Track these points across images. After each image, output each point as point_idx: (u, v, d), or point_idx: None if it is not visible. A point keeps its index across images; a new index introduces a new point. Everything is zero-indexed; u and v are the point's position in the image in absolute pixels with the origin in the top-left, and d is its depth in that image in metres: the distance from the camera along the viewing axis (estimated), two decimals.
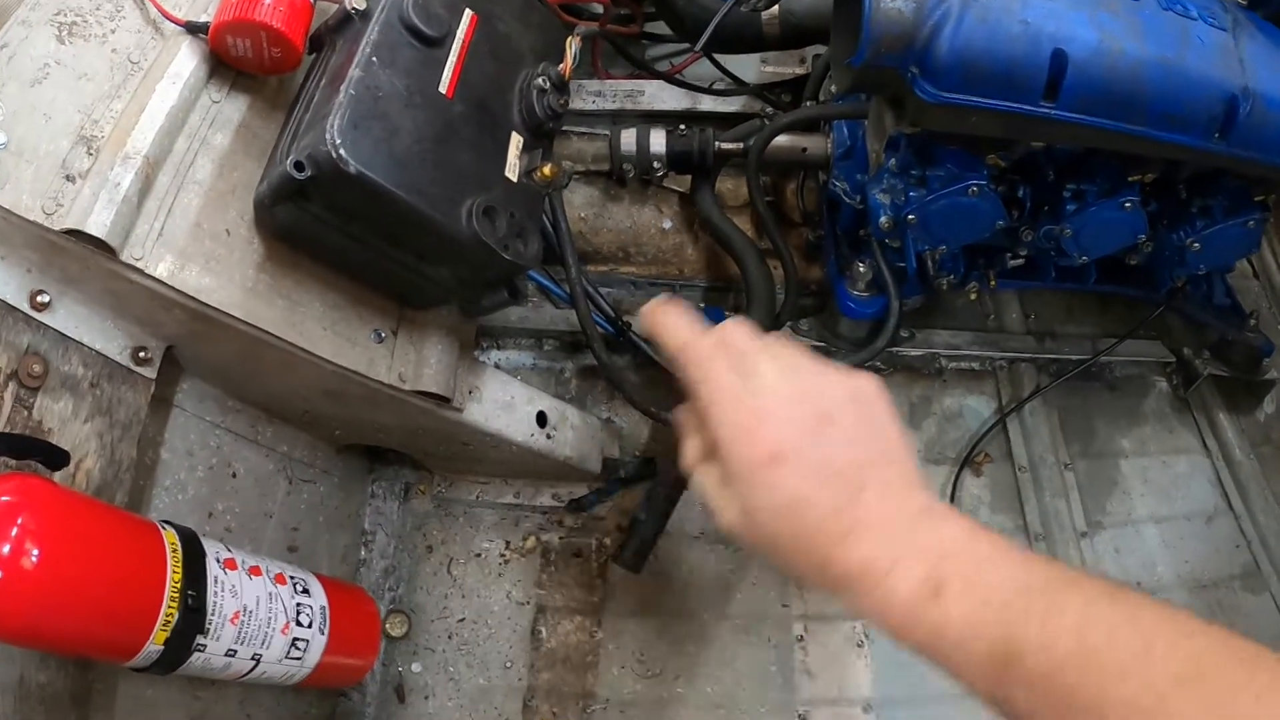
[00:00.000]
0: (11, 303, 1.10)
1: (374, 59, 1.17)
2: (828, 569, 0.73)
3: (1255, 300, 2.24)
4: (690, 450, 0.85)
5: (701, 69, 2.15)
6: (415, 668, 1.72)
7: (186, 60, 1.20)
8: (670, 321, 0.85)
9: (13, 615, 0.93)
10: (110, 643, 1.04)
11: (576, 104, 2.03)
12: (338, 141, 1.08)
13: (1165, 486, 2.11)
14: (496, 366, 1.83)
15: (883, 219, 1.59)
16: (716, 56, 2.05)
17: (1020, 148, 1.53)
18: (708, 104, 2.11)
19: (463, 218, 1.22)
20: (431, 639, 1.74)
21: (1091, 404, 2.15)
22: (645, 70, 2.06)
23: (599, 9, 2.00)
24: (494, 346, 1.92)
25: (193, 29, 1.20)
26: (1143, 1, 1.37)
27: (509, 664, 1.73)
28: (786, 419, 0.76)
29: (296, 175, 1.08)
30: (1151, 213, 1.69)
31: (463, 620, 1.76)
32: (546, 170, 1.35)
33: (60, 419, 1.15)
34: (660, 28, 2.14)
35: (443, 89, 1.25)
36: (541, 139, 1.41)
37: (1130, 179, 1.59)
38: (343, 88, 1.12)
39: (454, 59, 1.28)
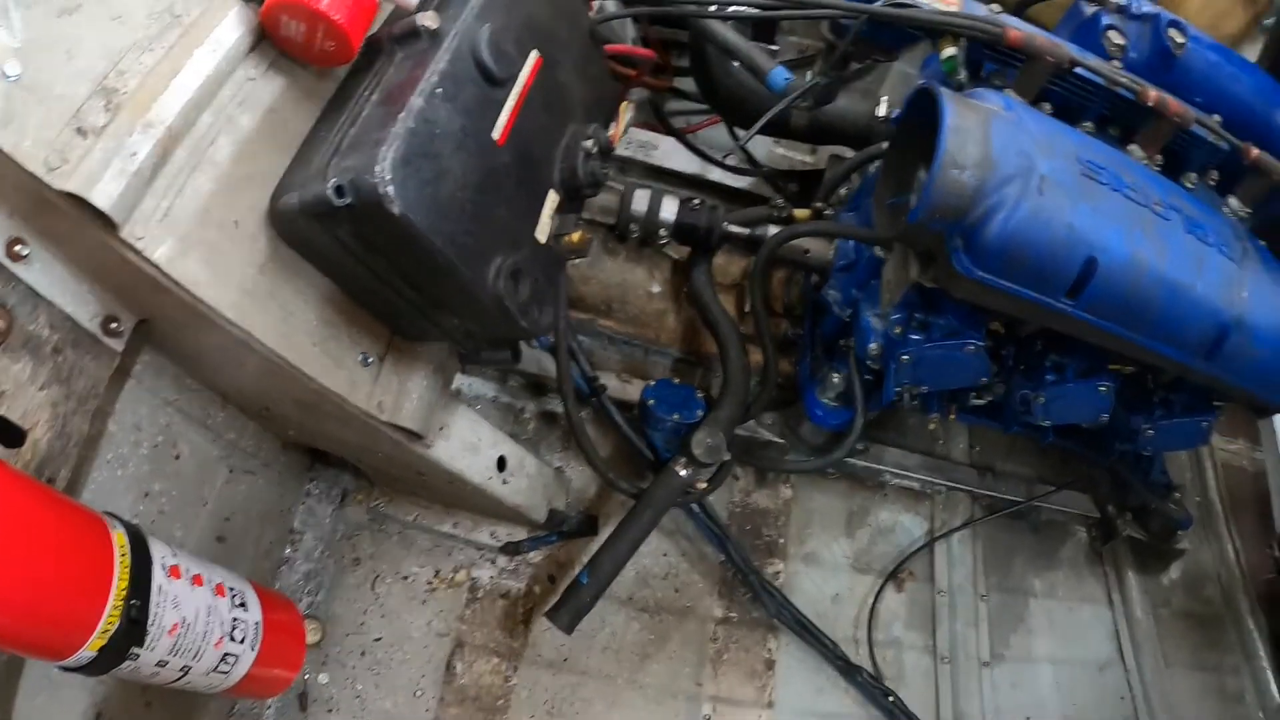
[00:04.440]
0: None
1: (439, 90, 1.04)
2: None
3: (1180, 472, 2.27)
4: None
5: (713, 134, 2.06)
6: (322, 679, 1.60)
7: (232, 28, 1.04)
8: None
9: None
10: (42, 646, 0.92)
11: None
12: (387, 177, 0.96)
13: (1067, 631, 2.10)
14: (458, 392, 1.72)
15: (872, 345, 1.53)
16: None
17: (1031, 326, 1.49)
18: (716, 174, 2.02)
19: (489, 276, 1.11)
20: (344, 653, 1.62)
21: (1015, 542, 2.13)
22: (667, 127, 1.94)
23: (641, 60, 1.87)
24: (459, 371, 1.78)
25: None
26: (1172, 223, 1.35)
27: (419, 693, 1.62)
28: None
29: (335, 200, 0.96)
30: (1128, 399, 1.67)
31: (379, 640, 1.64)
32: (576, 237, 1.24)
33: (15, 382, 1.01)
34: (682, 83, 2.00)
35: (495, 135, 1.13)
36: (576, 202, 1.29)
37: (1110, 367, 1.57)
38: (401, 116, 1.00)
39: (512, 103, 1.16)
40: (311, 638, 1.59)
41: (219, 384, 1.35)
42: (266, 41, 1.09)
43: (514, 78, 1.16)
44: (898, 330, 1.50)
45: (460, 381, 1.79)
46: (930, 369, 1.52)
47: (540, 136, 1.23)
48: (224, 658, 1.13)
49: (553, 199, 1.23)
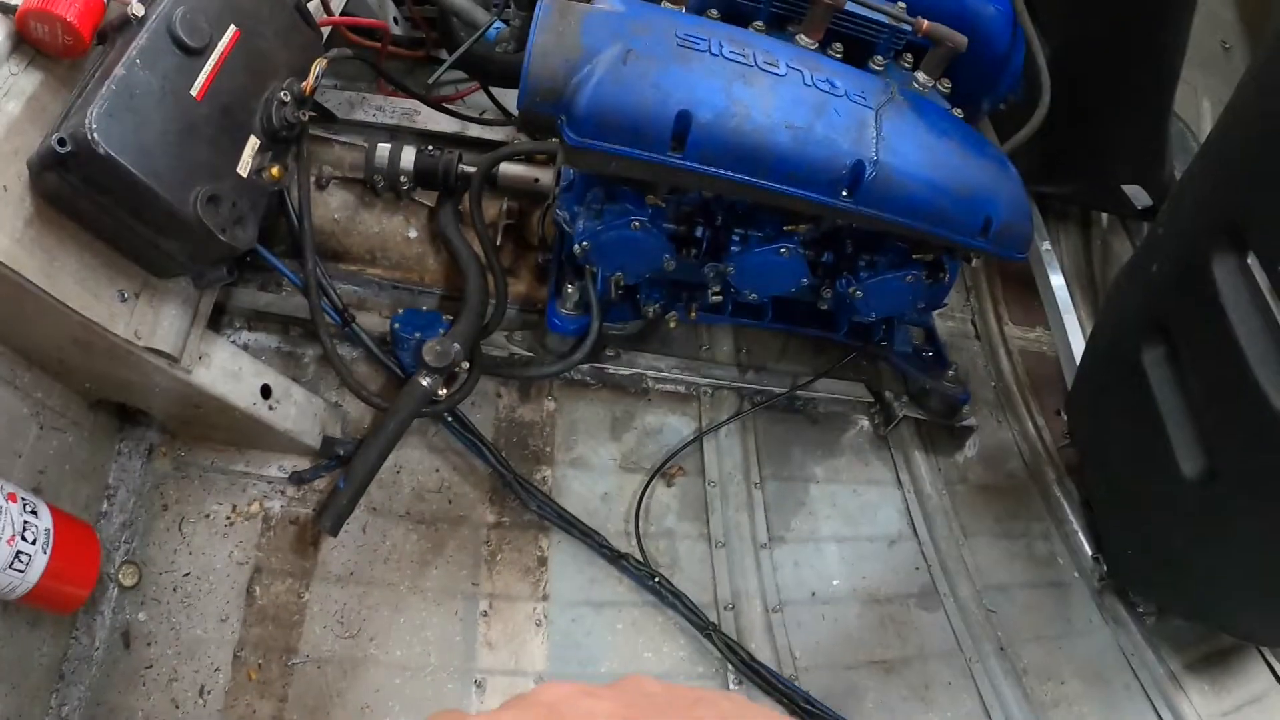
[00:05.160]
0: None
1: (137, 61, 1.75)
2: None
3: (973, 358, 3.06)
4: None
5: (480, 97, 2.85)
6: (141, 616, 2.24)
7: None
8: None
9: None
10: None
11: (358, 116, 2.70)
12: (94, 126, 1.66)
13: (852, 511, 2.82)
14: (245, 348, 2.43)
15: (577, 246, 2.25)
16: (494, 89, 2.74)
17: (663, 189, 2.21)
18: (476, 130, 2.78)
19: (190, 202, 1.82)
20: (159, 590, 2.27)
21: (792, 434, 2.88)
22: (409, 93, 2.70)
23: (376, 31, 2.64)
24: (245, 328, 2.53)
25: (3, 9, 1.71)
26: (787, 78, 2.05)
27: (224, 618, 2.28)
28: None
29: (58, 149, 1.65)
30: (828, 263, 2.39)
31: (188, 575, 2.30)
32: (275, 171, 1.97)
33: None
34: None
35: (194, 92, 1.85)
36: (278, 144, 2.03)
37: (786, 229, 2.28)
38: (107, 82, 1.72)
39: (209, 68, 1.88)
40: (130, 580, 2.22)
41: (14, 340, 1.98)
42: (25, 43, 1.77)
43: (212, 46, 1.89)
44: (582, 223, 2.22)
45: (247, 337, 2.52)
46: (611, 251, 2.24)
47: (240, 92, 1.95)
48: (17, 554, 1.74)
49: (253, 142, 1.97)
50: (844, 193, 2.08)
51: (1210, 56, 3.99)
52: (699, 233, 2.37)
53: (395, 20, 2.93)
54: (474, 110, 2.84)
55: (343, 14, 2.56)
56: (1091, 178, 3.19)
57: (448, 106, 2.74)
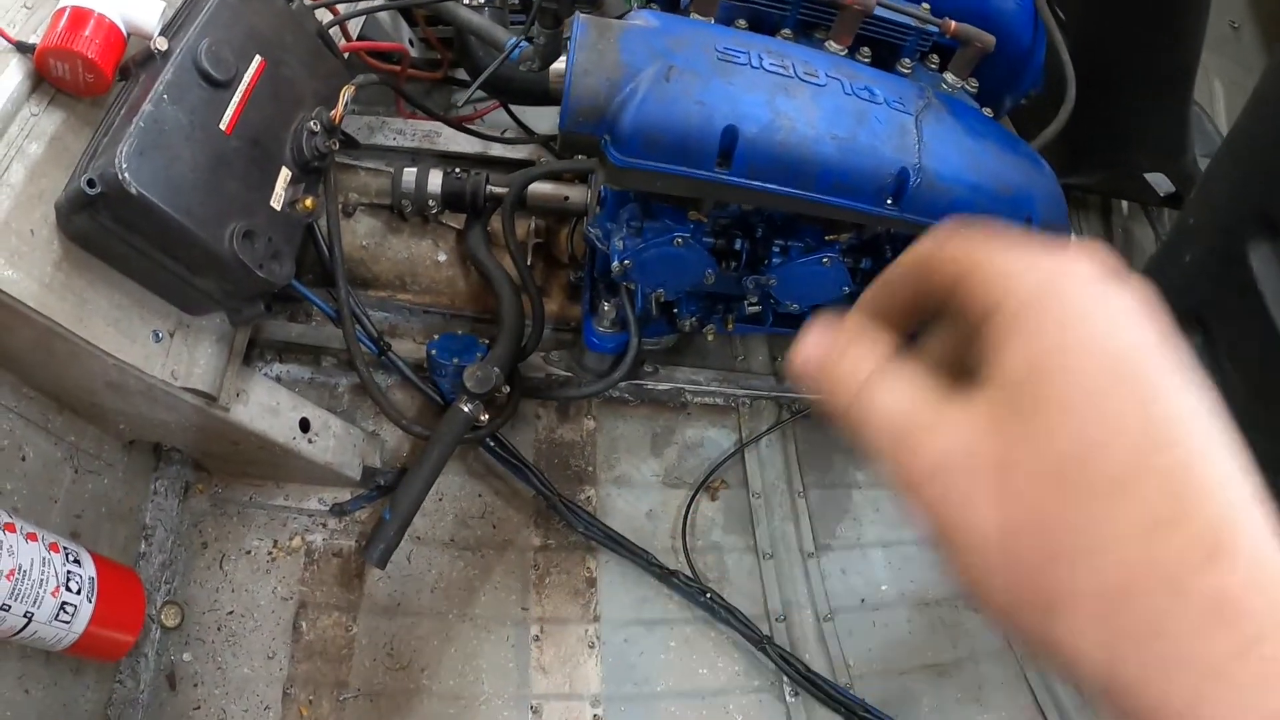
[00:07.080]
0: None
1: (165, 96, 1.67)
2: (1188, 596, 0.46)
3: None
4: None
5: (499, 116, 2.76)
6: (186, 657, 2.18)
7: (13, 76, 1.65)
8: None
9: None
10: None
11: (379, 140, 2.61)
12: (124, 165, 1.58)
13: (895, 516, 2.73)
14: (278, 380, 2.35)
15: (615, 264, 2.16)
16: (513, 106, 2.66)
17: (707, 204, 2.13)
18: (498, 149, 2.69)
19: (225, 238, 1.73)
20: (202, 630, 2.21)
21: (831, 441, 2.80)
22: (430, 115, 2.62)
23: (395, 54, 2.56)
24: (276, 360, 2.45)
25: (21, 48, 1.65)
26: (827, 88, 1.97)
27: (271, 655, 2.21)
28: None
29: (88, 190, 1.58)
30: (867, 270, 2.30)
31: (231, 613, 2.23)
32: (308, 202, 1.88)
33: None
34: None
35: (223, 126, 1.77)
36: (310, 174, 1.94)
37: (828, 238, 2.19)
38: (135, 119, 1.64)
39: (237, 100, 1.80)
40: (173, 621, 2.17)
41: (47, 385, 1.92)
42: (44, 83, 1.70)
43: (238, 78, 1.81)
44: (620, 243, 2.14)
45: (279, 370, 2.44)
46: (654, 268, 2.15)
47: (269, 124, 1.87)
48: (63, 606, 1.67)
49: (285, 174, 1.88)
50: (889, 200, 2.00)
51: (1220, 38, 3.92)
52: (738, 245, 2.28)
53: (410, 42, 2.85)
54: (494, 129, 2.76)
55: (359, 39, 2.48)
56: (1114, 168, 3.11)
57: (469, 127, 2.66)
